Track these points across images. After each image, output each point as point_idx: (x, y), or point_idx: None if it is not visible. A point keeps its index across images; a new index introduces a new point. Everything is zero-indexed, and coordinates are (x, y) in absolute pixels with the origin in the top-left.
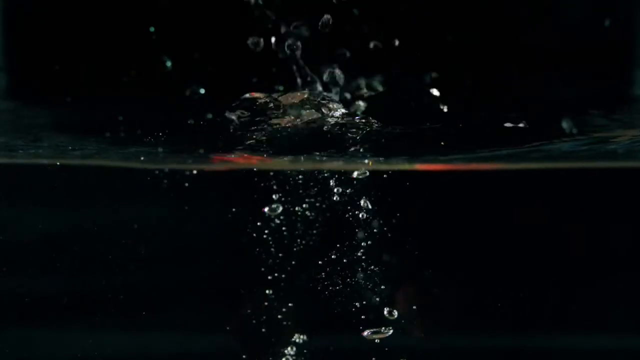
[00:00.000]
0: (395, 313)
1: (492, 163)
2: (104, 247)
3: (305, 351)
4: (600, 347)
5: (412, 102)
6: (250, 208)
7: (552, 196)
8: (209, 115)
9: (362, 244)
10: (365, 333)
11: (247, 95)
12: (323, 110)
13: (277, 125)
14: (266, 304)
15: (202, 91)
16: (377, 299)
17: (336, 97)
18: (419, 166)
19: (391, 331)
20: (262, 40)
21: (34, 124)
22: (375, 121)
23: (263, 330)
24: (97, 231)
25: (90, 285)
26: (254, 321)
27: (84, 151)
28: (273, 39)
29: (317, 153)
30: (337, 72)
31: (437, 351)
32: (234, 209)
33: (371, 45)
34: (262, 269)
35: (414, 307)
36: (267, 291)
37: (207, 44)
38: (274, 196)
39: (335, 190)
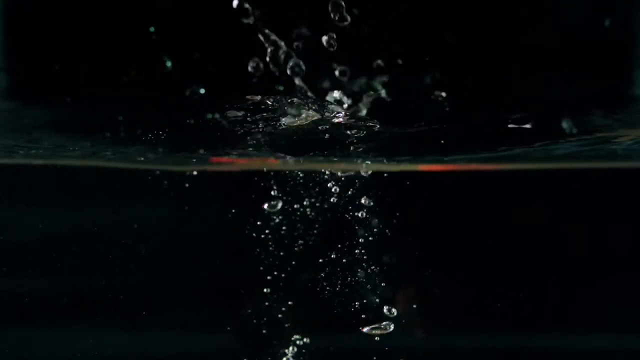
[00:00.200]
0: (395, 312)
1: (492, 164)
2: (104, 247)
3: (305, 351)
4: (600, 347)
5: (413, 103)
6: (250, 208)
7: (552, 196)
8: (209, 115)
9: (363, 244)
10: (365, 329)
11: (248, 97)
12: (324, 111)
13: (277, 126)
14: (266, 304)
15: (202, 91)
16: (378, 299)
17: (338, 97)
18: (420, 167)
19: (392, 326)
20: (262, 64)
21: (34, 124)
22: (377, 122)
23: (263, 330)
24: (97, 231)
25: (90, 285)
26: (254, 321)
27: (83, 151)
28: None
29: (317, 154)
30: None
31: (437, 351)
32: (234, 209)
33: (371, 45)
34: (262, 269)
35: (415, 307)
36: (267, 291)
37: (207, 44)
38: (274, 196)
39: (336, 190)
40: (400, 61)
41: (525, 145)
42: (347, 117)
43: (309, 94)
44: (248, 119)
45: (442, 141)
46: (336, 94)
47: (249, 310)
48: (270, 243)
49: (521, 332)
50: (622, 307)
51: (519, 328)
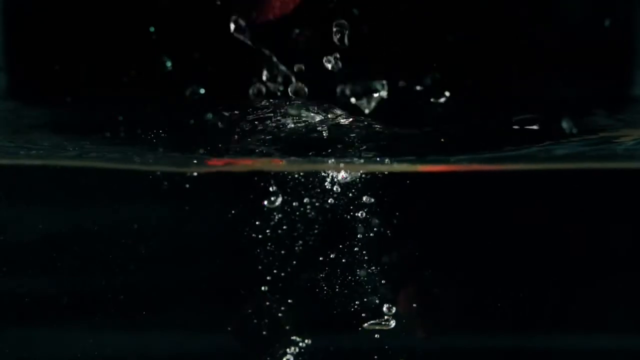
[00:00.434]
0: (395, 312)
1: (492, 164)
2: (104, 247)
3: (305, 351)
4: (600, 347)
5: (413, 103)
6: (250, 208)
7: (552, 197)
8: (209, 116)
9: (364, 244)
10: (365, 325)
11: (249, 97)
12: (324, 112)
13: (278, 126)
14: (266, 304)
15: (202, 91)
16: (378, 300)
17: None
18: (421, 167)
19: (392, 326)
20: (263, 88)
21: (34, 124)
22: (377, 123)
23: (263, 330)
24: (97, 231)
25: (90, 285)
26: (254, 321)
27: (83, 151)
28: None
29: (317, 154)
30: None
31: (437, 351)
32: (234, 209)
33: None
34: (262, 270)
35: (415, 307)
36: (267, 291)
37: (207, 44)
38: (273, 197)
39: (336, 190)
40: (400, 61)
41: (525, 145)
42: (347, 118)
43: (307, 92)
44: (248, 119)
45: (442, 140)
46: (336, 94)
47: (249, 310)
48: (270, 243)
49: (521, 332)
50: (622, 307)
51: (519, 328)
